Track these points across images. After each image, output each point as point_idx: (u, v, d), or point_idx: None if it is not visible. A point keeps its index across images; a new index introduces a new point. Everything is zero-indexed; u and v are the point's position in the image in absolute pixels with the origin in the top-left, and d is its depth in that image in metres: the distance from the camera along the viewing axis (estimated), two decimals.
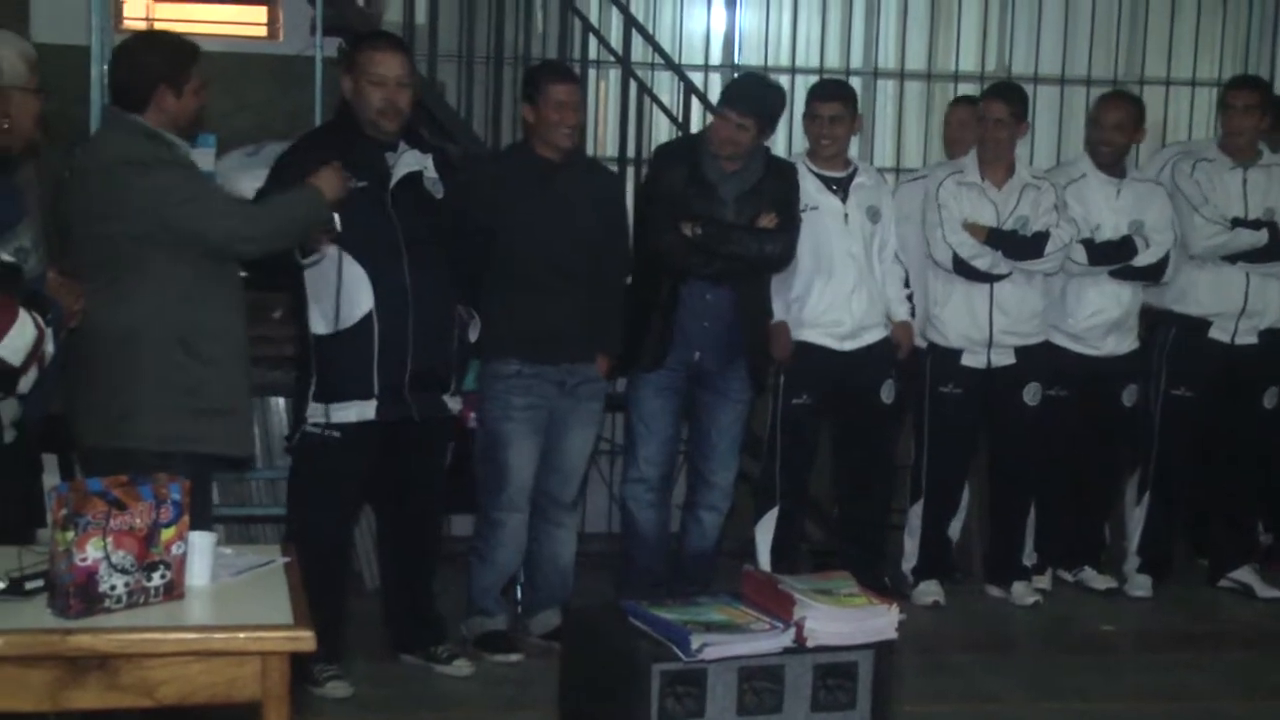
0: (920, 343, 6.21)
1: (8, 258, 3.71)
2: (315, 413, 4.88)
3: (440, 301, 5.00)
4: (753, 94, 5.66)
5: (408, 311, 4.86)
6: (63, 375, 4.14)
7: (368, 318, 4.82)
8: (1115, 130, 6.25)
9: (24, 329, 3.50)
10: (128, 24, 7.02)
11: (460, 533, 6.23)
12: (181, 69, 4.40)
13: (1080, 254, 6.18)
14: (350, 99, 4.89)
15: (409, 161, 4.96)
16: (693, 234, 5.48)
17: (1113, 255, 6.22)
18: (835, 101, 5.87)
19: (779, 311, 5.89)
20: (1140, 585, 6.49)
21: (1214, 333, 6.39)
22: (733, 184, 5.61)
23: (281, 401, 6.15)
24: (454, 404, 5.14)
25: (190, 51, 4.46)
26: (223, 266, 4.42)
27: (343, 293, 4.82)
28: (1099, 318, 6.29)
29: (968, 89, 7.97)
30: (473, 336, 5.18)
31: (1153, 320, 6.54)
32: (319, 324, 4.85)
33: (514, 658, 5.39)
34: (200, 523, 3.18)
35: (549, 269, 5.32)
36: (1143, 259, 6.23)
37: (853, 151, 6.17)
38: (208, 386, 4.35)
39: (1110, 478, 6.58)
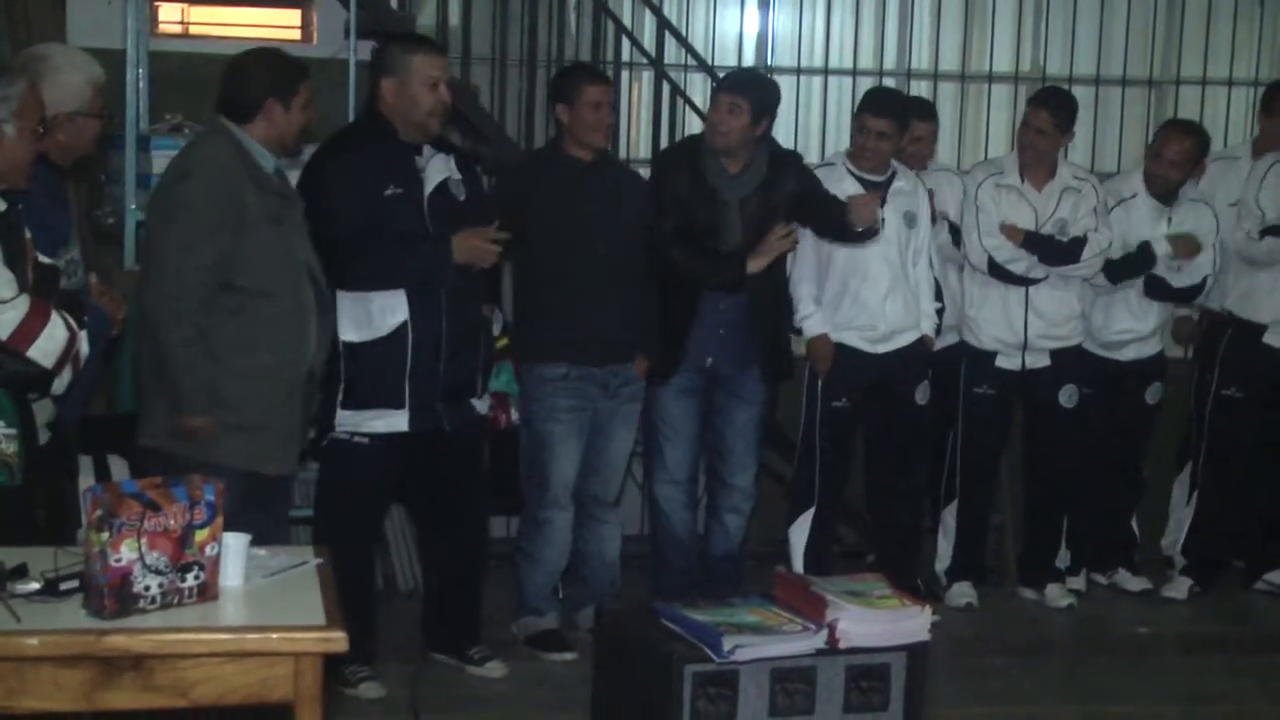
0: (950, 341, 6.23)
1: (46, 259, 3.74)
2: (344, 420, 4.88)
3: (472, 310, 5.02)
4: (742, 76, 5.82)
5: (442, 321, 4.87)
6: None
7: (402, 327, 4.83)
8: (1173, 166, 6.18)
9: (55, 331, 3.52)
10: (163, 28, 7.05)
11: (496, 534, 6.23)
12: (291, 84, 4.52)
13: (1102, 278, 6.18)
14: (392, 101, 4.86)
15: (438, 166, 4.95)
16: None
17: (1132, 269, 6.19)
18: (886, 119, 5.82)
19: (813, 314, 5.88)
20: (1176, 587, 6.46)
21: (1268, 338, 6.35)
22: (736, 187, 5.58)
23: None
24: (482, 406, 5.16)
25: (300, 69, 4.61)
26: (281, 280, 4.46)
27: (376, 300, 4.82)
28: (1126, 335, 6.30)
29: (1002, 90, 7.95)
30: (495, 330, 5.20)
31: (1206, 322, 6.53)
32: (350, 330, 4.84)
33: (568, 656, 5.42)
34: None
35: (590, 270, 5.35)
36: (1180, 280, 6.23)
37: None
38: (233, 400, 4.38)
39: (1136, 476, 6.56)
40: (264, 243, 4.41)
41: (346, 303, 4.82)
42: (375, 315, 4.83)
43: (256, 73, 4.55)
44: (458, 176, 4.99)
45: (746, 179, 5.60)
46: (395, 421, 4.88)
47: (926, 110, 6.44)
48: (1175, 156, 6.18)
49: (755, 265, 5.50)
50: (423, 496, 5.18)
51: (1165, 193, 6.24)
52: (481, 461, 5.29)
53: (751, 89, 5.59)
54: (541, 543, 5.50)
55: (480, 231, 4.88)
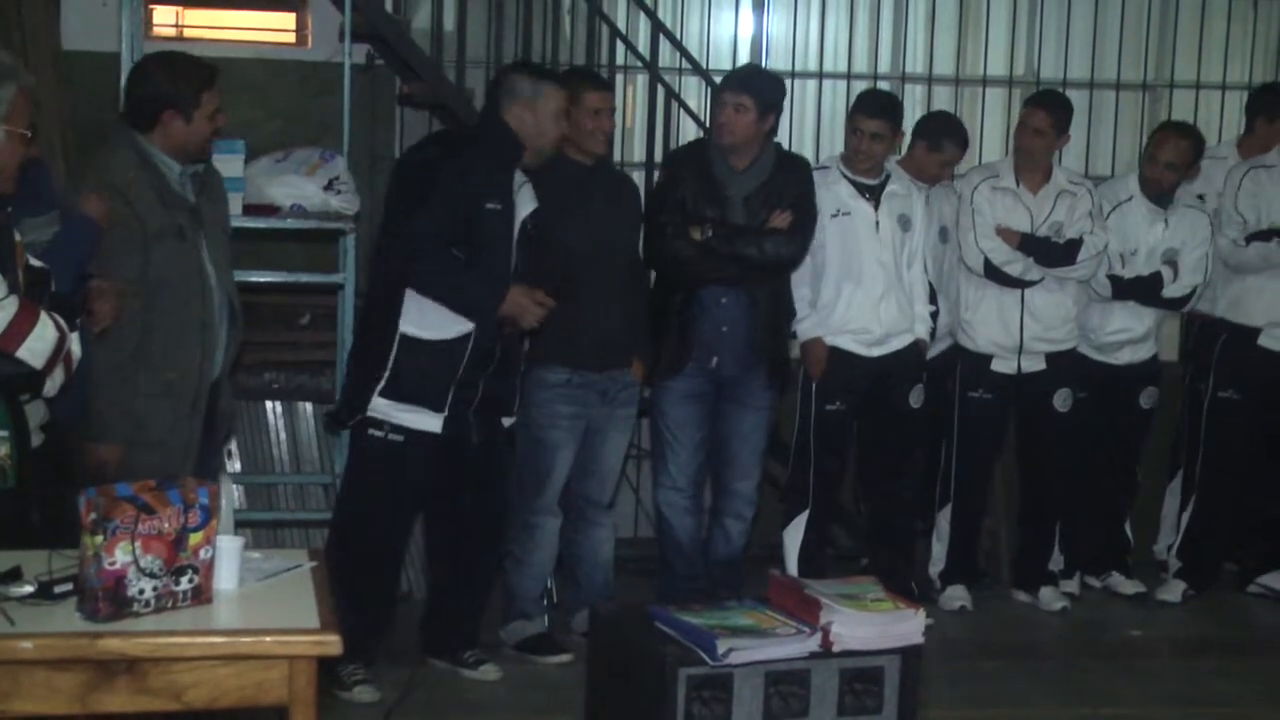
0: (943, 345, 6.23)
1: (36, 262, 3.73)
2: (379, 407, 4.87)
3: (518, 331, 5.02)
4: (746, 74, 5.77)
5: (498, 340, 4.90)
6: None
7: (465, 336, 4.84)
8: (1168, 169, 6.19)
9: (44, 331, 3.51)
10: (158, 31, 7.05)
11: None
12: (193, 95, 4.40)
13: (1106, 288, 6.19)
14: (519, 126, 4.88)
15: (526, 196, 4.97)
16: (701, 237, 5.48)
17: (1138, 291, 6.22)
18: (879, 120, 5.84)
19: (807, 317, 5.89)
20: (1170, 590, 6.47)
21: (1263, 340, 6.36)
22: (742, 183, 5.60)
23: (309, 406, 6.18)
24: (508, 422, 5.16)
25: (205, 76, 4.46)
26: (184, 294, 4.43)
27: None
28: (1122, 335, 6.31)
29: (996, 94, 7.97)
30: None
31: (1198, 325, 6.55)
32: (413, 325, 4.83)
33: (564, 658, 5.41)
34: None
35: (591, 276, 5.34)
36: (1170, 291, 6.24)
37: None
38: (137, 416, 4.41)
39: (1130, 480, 6.56)
40: (168, 258, 4.39)
41: (417, 297, 4.82)
42: (443, 317, 4.83)
43: (156, 80, 4.43)
44: (536, 208, 5.02)
45: (752, 174, 5.61)
46: (430, 422, 4.88)
47: (962, 136, 6.43)
48: (1171, 158, 6.18)
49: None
50: (442, 500, 5.17)
51: (1161, 195, 6.24)
52: (506, 473, 5.28)
53: (756, 87, 5.58)
54: (531, 546, 5.50)
55: (533, 292, 4.89)
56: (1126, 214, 6.25)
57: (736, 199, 5.59)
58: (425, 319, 4.83)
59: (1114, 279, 6.20)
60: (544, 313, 4.92)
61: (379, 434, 4.89)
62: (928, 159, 6.23)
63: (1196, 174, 6.41)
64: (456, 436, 4.93)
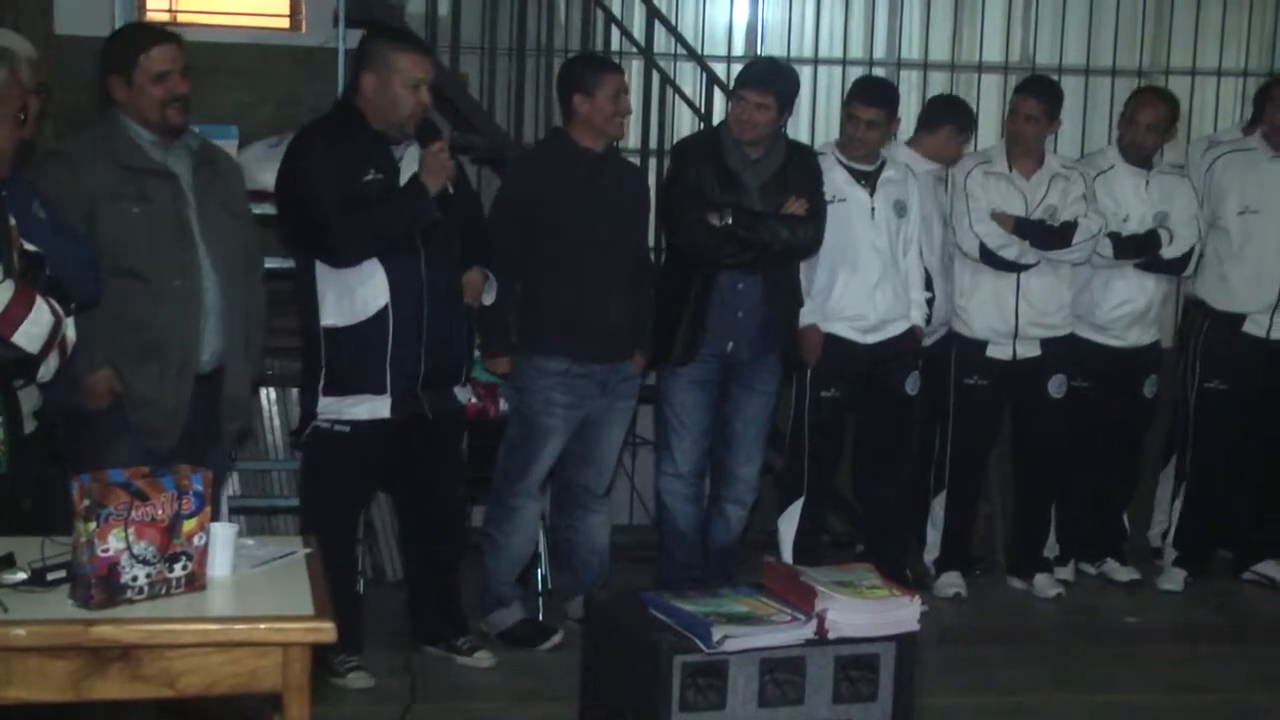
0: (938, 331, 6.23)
1: (31, 246, 3.72)
2: (326, 407, 4.86)
3: (453, 297, 5.00)
4: (768, 72, 5.72)
5: (423, 307, 4.85)
6: None
7: (383, 312, 4.80)
8: (1148, 131, 6.23)
9: (40, 316, 3.50)
10: (151, 15, 7.02)
11: (478, 524, 6.24)
12: (125, 57, 4.39)
13: (1107, 247, 6.18)
14: (371, 95, 4.80)
15: (415, 155, 4.89)
16: (721, 223, 5.47)
17: (1139, 248, 6.21)
18: (876, 108, 5.83)
19: (804, 305, 5.88)
20: (1171, 579, 6.47)
21: (1248, 327, 6.36)
22: (756, 172, 5.61)
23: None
24: (463, 395, 5.13)
25: (142, 37, 4.45)
26: (155, 258, 4.38)
27: (357, 285, 4.79)
28: (1125, 309, 6.29)
29: (992, 80, 7.95)
30: (488, 300, 5.16)
31: (1184, 310, 6.57)
32: (332, 316, 4.81)
33: (556, 639, 5.42)
34: None
35: (599, 264, 5.33)
36: (1169, 251, 6.24)
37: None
38: (122, 376, 4.38)
39: (1131, 469, 6.56)
40: (122, 221, 4.32)
41: (329, 287, 4.80)
42: (356, 300, 4.80)
43: (102, 52, 4.48)
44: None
45: (767, 163, 5.63)
46: (378, 408, 4.85)
47: (976, 120, 6.54)
48: (1150, 120, 6.23)
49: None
50: (403, 485, 5.18)
51: (1142, 160, 6.26)
52: (460, 451, 5.27)
53: (777, 85, 5.58)
54: (510, 529, 5.48)
55: (426, 153, 4.82)
56: (1112, 181, 6.28)
57: (752, 187, 5.60)
58: (341, 306, 4.80)
59: (1114, 236, 6.19)
60: (451, 161, 4.85)
61: (324, 426, 4.87)
62: (951, 142, 6.28)
63: (1174, 136, 6.45)
64: (410, 418, 4.90)
